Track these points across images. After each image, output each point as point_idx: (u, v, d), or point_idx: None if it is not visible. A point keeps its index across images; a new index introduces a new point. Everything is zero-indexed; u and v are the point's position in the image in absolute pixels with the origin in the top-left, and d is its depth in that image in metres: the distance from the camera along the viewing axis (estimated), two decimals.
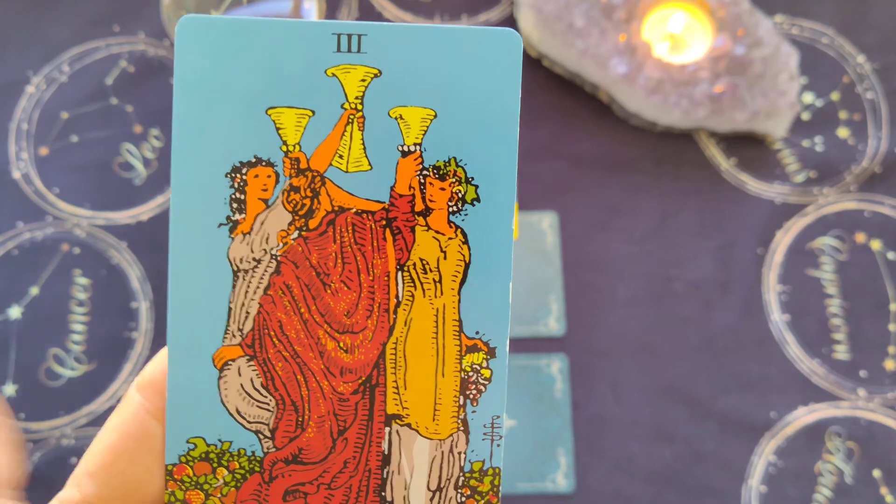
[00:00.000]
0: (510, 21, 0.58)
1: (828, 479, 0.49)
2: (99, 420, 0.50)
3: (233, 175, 0.18)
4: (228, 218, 0.18)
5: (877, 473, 0.49)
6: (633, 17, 0.53)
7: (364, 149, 0.19)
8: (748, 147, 0.55)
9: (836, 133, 0.55)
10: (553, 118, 0.56)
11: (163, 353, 0.20)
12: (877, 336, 0.52)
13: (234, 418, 0.18)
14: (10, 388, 0.50)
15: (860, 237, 0.54)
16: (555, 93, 0.56)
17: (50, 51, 0.56)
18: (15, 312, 0.51)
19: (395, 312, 0.19)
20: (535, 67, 0.57)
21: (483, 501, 0.19)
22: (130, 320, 0.51)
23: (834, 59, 0.57)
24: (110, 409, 0.50)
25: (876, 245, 0.53)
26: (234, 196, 0.18)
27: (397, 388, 0.19)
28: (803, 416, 0.50)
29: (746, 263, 0.53)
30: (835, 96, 0.56)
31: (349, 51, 0.18)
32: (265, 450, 0.19)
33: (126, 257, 0.53)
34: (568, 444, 0.49)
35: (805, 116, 0.56)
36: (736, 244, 0.53)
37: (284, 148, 0.19)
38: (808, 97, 0.56)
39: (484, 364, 0.19)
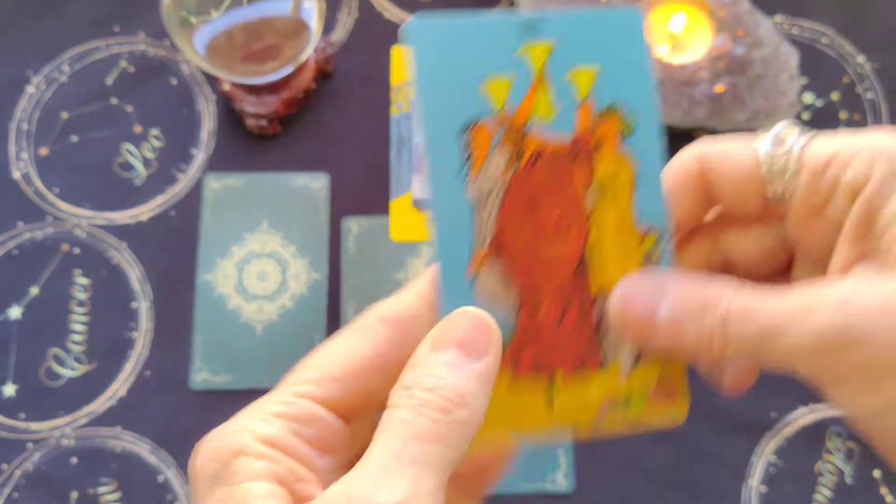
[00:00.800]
0: None
1: (828, 478, 0.49)
2: (100, 420, 0.50)
3: (463, 133, 0.26)
4: (464, 165, 0.26)
5: (877, 474, 0.49)
6: None
7: (551, 104, 0.27)
8: None
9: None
10: None
11: (404, 295, 0.25)
12: None
13: (490, 303, 0.26)
14: (9, 388, 0.50)
15: None
16: None
17: (50, 51, 0.56)
18: (15, 312, 0.52)
19: (589, 220, 0.27)
20: None
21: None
22: (130, 320, 0.51)
23: (834, 59, 0.57)
24: (111, 409, 0.50)
25: None
26: (466, 149, 0.26)
27: (598, 271, 0.27)
28: (803, 416, 0.50)
29: None
30: (835, 96, 0.56)
31: (532, 34, 0.26)
32: (513, 323, 0.26)
33: (126, 257, 0.53)
34: (568, 443, 0.49)
35: (805, 116, 0.56)
36: None
37: (496, 108, 0.26)
38: (809, 97, 0.56)
39: (654, 248, 0.27)
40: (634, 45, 0.28)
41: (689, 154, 0.27)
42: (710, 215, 0.28)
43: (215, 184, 0.54)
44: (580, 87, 0.27)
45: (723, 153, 0.26)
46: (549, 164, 0.27)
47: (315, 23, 0.49)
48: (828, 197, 0.24)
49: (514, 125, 0.27)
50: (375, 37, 0.57)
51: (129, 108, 0.55)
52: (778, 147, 0.25)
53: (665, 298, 0.24)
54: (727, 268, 0.28)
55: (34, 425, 0.50)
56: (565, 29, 0.27)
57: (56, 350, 0.51)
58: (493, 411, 0.24)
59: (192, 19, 0.47)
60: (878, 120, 0.56)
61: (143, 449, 0.49)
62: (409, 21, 0.26)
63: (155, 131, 0.55)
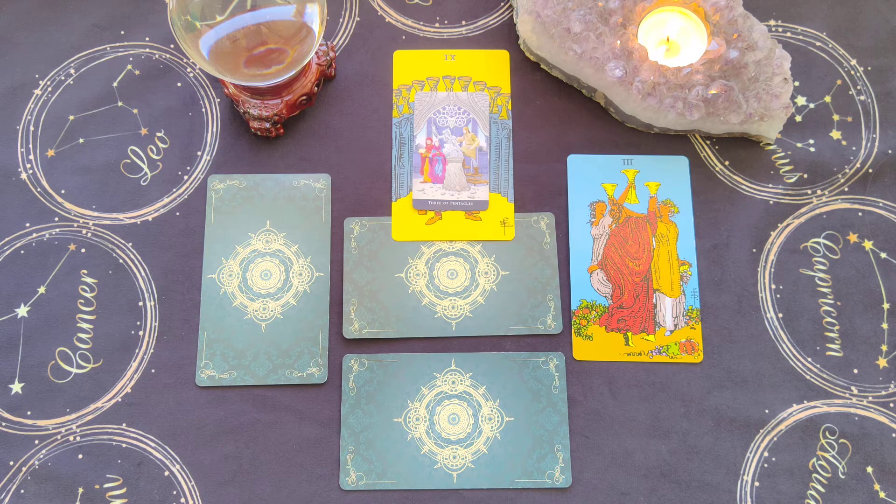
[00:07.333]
0: (509, 26, 0.59)
1: (821, 474, 0.50)
2: (106, 417, 0.50)
3: (591, 205, 0.54)
4: (590, 220, 0.53)
5: (870, 469, 0.50)
6: (630, 21, 0.54)
7: (636, 196, 0.54)
8: (742, 148, 0.56)
9: (829, 135, 0.56)
10: (551, 121, 0.57)
11: None
12: (869, 334, 0.52)
13: (598, 291, 0.52)
14: (17, 386, 0.51)
15: (853, 237, 0.54)
16: (552, 96, 0.57)
17: (57, 54, 0.57)
18: (23, 311, 0.52)
19: (653, 252, 0.52)
20: (534, 71, 0.57)
21: (693, 322, 0.52)
22: (136, 319, 0.52)
23: (827, 62, 0.58)
24: (117, 406, 0.51)
25: (868, 245, 0.54)
26: (592, 213, 0.53)
27: (657, 278, 0.52)
28: (797, 412, 0.51)
29: (741, 262, 0.54)
30: (827, 99, 0.57)
31: (629, 164, 0.55)
32: (608, 303, 0.52)
33: (132, 257, 0.53)
34: (565, 439, 0.50)
35: (798, 118, 0.57)
36: (730, 244, 0.54)
37: (609, 196, 0.54)
38: (802, 100, 0.57)
39: (687, 270, 0.53)
40: (681, 173, 0.54)
41: None
42: None
43: (219, 185, 0.55)
44: (650, 190, 0.54)
45: None
46: (633, 224, 0.53)
47: (317, 26, 0.50)
48: None
49: (617, 204, 0.53)
50: (377, 40, 0.58)
51: (135, 111, 0.56)
52: None
53: None
54: None
55: (41, 422, 0.51)
56: (645, 163, 0.54)
57: (63, 348, 0.52)
58: (595, 346, 0.51)
59: (197, 24, 0.48)
60: (870, 122, 0.56)
61: (149, 445, 0.50)
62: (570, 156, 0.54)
63: (160, 133, 0.56)
